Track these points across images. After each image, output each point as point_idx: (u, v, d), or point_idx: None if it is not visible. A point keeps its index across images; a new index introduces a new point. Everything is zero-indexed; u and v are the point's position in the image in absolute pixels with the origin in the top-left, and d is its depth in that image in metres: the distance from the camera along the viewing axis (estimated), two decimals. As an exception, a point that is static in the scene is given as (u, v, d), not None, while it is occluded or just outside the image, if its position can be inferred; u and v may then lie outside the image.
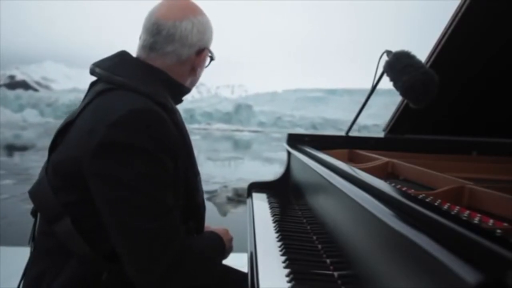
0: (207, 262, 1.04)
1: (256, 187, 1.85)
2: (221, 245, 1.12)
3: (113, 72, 1.00)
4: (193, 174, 1.08)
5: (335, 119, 34.82)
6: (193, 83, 1.16)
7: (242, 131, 27.76)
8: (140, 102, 0.93)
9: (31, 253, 1.05)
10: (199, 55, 1.09)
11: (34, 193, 1.04)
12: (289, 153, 1.84)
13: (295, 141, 1.82)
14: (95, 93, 0.99)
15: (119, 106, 0.92)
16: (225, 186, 7.03)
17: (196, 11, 1.09)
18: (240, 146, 19.44)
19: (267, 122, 34.28)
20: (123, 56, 1.06)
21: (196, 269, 0.98)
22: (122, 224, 0.88)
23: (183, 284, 0.97)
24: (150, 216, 0.88)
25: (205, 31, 1.10)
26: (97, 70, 1.02)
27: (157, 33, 1.04)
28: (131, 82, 0.98)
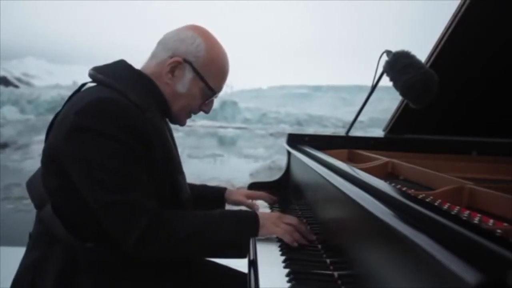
0: (197, 236, 1.02)
1: (256, 187, 1.84)
2: (240, 221, 1.08)
3: (99, 71, 1.08)
4: (174, 170, 1.13)
5: (320, 115, 34.36)
6: (175, 99, 1.15)
7: (226, 127, 27.38)
8: (107, 93, 1.01)
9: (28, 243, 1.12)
10: (170, 60, 1.11)
11: (28, 183, 1.12)
12: (289, 153, 1.84)
13: (295, 141, 1.82)
14: (77, 88, 1.10)
15: (88, 96, 1.01)
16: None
17: (191, 28, 1.15)
18: (224, 142, 19.14)
19: (252, 119, 33.71)
20: (118, 62, 1.14)
21: (177, 244, 1.00)
22: (94, 199, 0.97)
23: (162, 256, 1.03)
24: (115, 189, 0.95)
25: (186, 42, 1.12)
26: (90, 71, 1.10)
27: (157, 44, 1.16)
28: (110, 80, 1.04)
